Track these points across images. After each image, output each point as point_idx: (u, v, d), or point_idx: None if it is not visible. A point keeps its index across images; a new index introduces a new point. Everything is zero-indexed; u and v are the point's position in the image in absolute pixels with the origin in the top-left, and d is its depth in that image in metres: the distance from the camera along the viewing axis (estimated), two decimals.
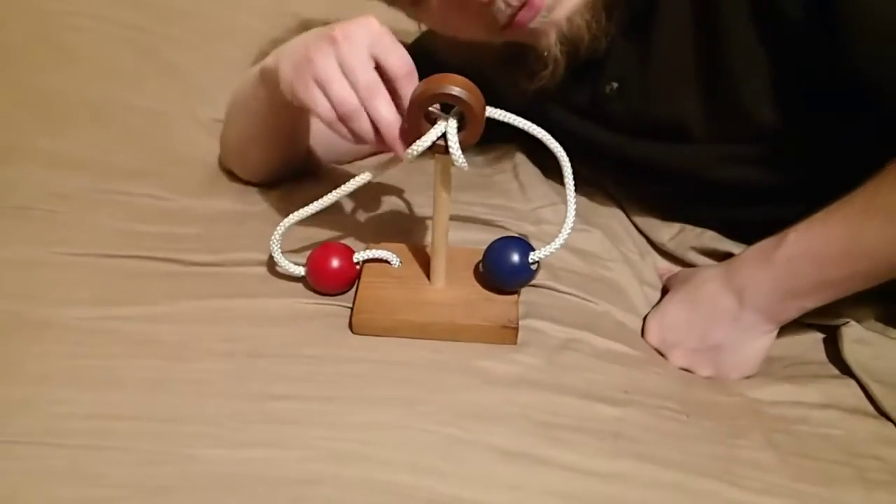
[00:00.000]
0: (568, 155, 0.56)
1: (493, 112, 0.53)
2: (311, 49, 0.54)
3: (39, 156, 0.77)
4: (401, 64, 0.53)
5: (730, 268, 0.58)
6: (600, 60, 0.66)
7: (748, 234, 0.61)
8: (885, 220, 0.51)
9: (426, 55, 0.66)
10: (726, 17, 0.59)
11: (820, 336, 0.62)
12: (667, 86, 0.65)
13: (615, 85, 0.67)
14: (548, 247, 0.58)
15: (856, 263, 0.53)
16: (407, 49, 0.82)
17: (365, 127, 0.53)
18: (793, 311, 0.57)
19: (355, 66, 0.52)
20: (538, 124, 0.54)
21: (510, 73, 0.66)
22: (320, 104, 0.54)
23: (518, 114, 0.54)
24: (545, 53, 0.63)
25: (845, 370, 0.57)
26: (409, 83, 0.53)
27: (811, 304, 0.56)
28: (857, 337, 0.58)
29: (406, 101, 0.52)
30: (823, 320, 0.61)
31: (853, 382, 0.56)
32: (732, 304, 0.57)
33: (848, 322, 0.59)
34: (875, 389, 0.54)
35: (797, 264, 0.54)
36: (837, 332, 0.59)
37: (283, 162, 0.73)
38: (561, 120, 0.71)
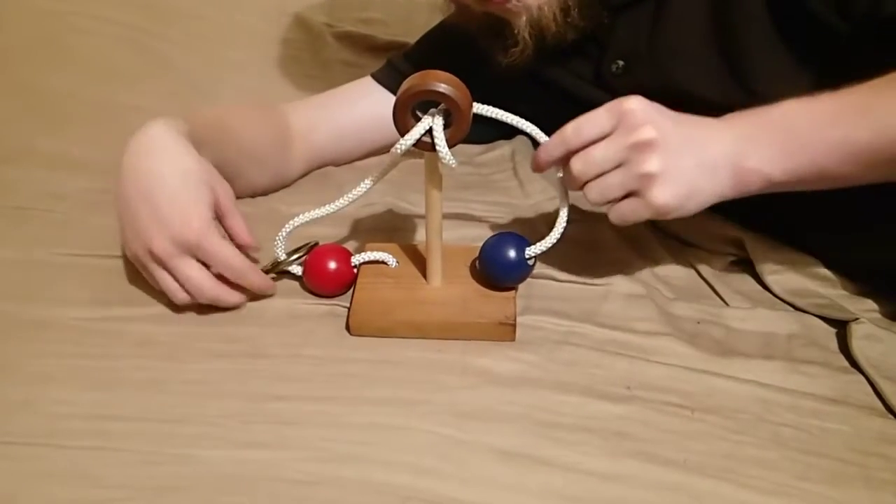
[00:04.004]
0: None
1: (480, 108, 0.52)
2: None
3: (39, 156, 0.77)
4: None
5: (712, 119, 0.55)
6: (598, 37, 0.67)
7: (746, 212, 0.61)
8: None
9: (443, 43, 0.68)
10: None
11: (833, 329, 0.61)
12: (677, 63, 0.64)
13: (621, 63, 0.67)
14: (544, 241, 0.57)
15: (855, 129, 0.50)
16: (425, 37, 0.82)
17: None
18: (755, 179, 0.52)
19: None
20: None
21: (491, 44, 0.67)
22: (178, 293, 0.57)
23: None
24: (517, 33, 0.64)
25: (856, 364, 0.56)
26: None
27: (780, 172, 0.51)
28: (867, 333, 0.57)
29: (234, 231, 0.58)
30: (832, 314, 0.60)
31: (864, 378, 0.55)
32: (714, 128, 0.53)
33: (857, 318, 0.59)
34: (884, 387, 0.54)
35: (792, 118, 0.51)
36: (847, 328, 0.59)
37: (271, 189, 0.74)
38: (568, 85, 0.72)
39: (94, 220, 0.67)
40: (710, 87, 0.63)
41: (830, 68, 0.57)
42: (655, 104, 0.53)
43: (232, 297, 0.57)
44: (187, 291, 0.56)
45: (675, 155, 0.51)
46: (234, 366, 0.53)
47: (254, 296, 0.58)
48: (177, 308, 0.58)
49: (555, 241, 0.57)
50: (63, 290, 0.59)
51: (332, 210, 0.58)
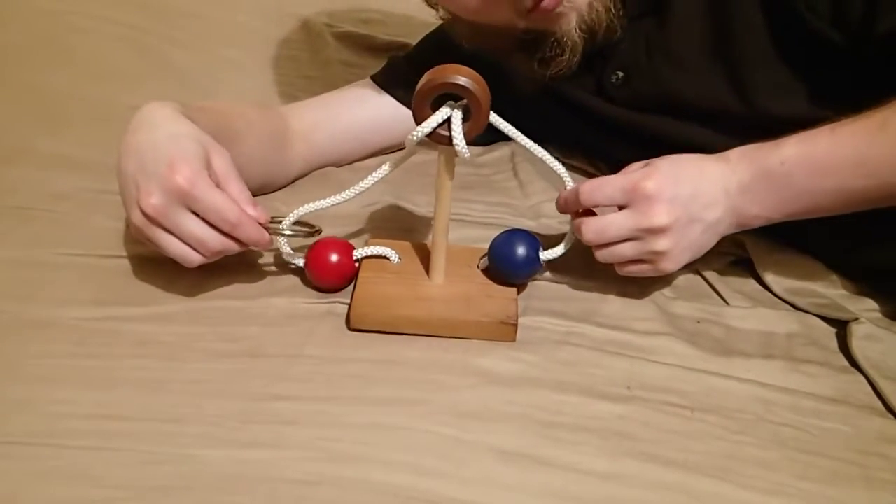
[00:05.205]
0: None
1: (492, 119, 0.53)
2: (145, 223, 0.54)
3: (39, 156, 0.77)
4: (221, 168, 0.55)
5: (720, 156, 0.57)
6: (604, 51, 0.67)
7: None
8: (894, 142, 0.51)
9: (444, 45, 0.67)
10: (739, 8, 0.59)
11: (833, 329, 0.61)
12: (677, 73, 0.65)
13: (620, 74, 0.68)
14: (557, 248, 0.59)
15: (850, 179, 0.52)
16: (425, 39, 0.82)
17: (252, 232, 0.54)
18: (757, 222, 0.57)
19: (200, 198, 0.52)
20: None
21: (526, 60, 0.67)
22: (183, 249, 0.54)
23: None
24: (564, 38, 0.63)
25: (856, 364, 0.57)
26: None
27: (779, 215, 0.56)
28: (867, 333, 0.58)
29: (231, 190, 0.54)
30: (832, 314, 0.61)
31: (864, 378, 0.56)
32: (717, 179, 0.55)
33: (857, 318, 0.59)
34: (884, 386, 0.54)
35: (790, 167, 0.53)
36: (847, 328, 0.59)
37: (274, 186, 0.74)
38: (573, 97, 0.72)
39: (94, 220, 0.67)
40: (708, 97, 0.64)
41: (829, 80, 0.58)
42: (668, 173, 0.55)
43: (239, 244, 0.55)
44: (195, 250, 0.54)
45: (683, 232, 0.55)
46: (234, 366, 0.53)
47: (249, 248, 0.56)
48: (177, 308, 0.58)
49: (566, 249, 0.59)
50: (63, 290, 0.59)
51: (340, 200, 0.58)
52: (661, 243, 0.54)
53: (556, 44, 0.64)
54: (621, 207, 0.56)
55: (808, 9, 0.56)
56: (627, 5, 0.64)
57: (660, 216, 0.53)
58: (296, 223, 0.59)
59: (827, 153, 0.53)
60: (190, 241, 0.53)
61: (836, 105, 0.56)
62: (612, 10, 0.63)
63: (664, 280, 0.64)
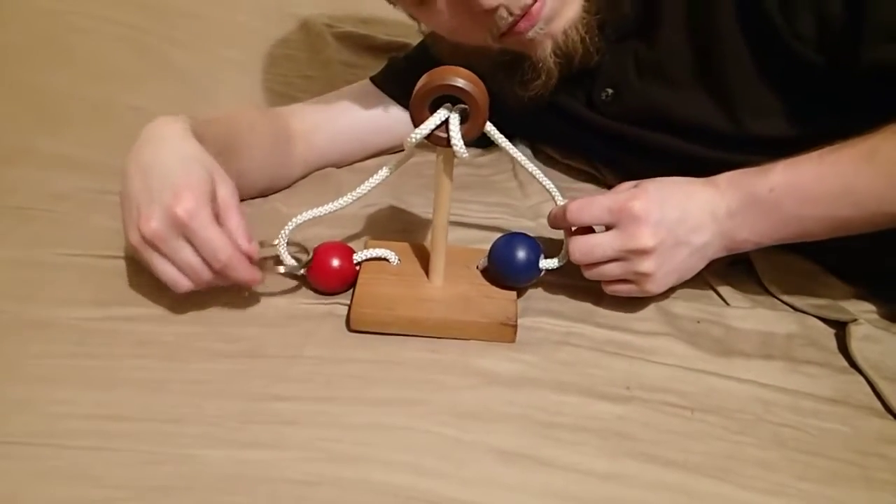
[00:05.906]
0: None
1: (487, 129, 0.53)
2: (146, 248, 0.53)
3: (39, 156, 0.77)
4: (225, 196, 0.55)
5: (710, 181, 0.57)
6: (593, 68, 0.68)
7: None
8: (881, 172, 0.51)
9: (429, 57, 0.66)
10: (719, 28, 0.60)
11: (832, 330, 0.61)
12: (664, 91, 0.66)
13: (610, 91, 0.69)
14: (558, 258, 0.59)
15: (838, 208, 0.52)
16: (412, 51, 0.82)
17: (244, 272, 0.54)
18: (747, 246, 0.57)
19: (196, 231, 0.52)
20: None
21: (506, 80, 0.67)
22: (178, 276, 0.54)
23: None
24: (539, 64, 0.64)
25: (855, 364, 0.57)
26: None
27: (769, 240, 0.56)
28: (865, 334, 0.58)
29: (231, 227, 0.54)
30: (831, 315, 0.61)
31: (863, 378, 0.56)
32: (706, 205, 0.56)
33: (856, 319, 0.59)
34: (883, 387, 0.54)
35: (779, 195, 0.54)
36: (846, 329, 0.59)
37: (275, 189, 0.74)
38: (567, 106, 0.73)
39: (94, 220, 0.67)
40: (697, 115, 0.64)
41: (815, 103, 0.59)
42: (656, 196, 0.55)
43: (228, 280, 0.55)
44: (187, 276, 0.53)
45: (668, 254, 0.55)
46: (234, 366, 0.53)
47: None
48: (177, 308, 0.58)
49: (564, 262, 0.59)
50: (63, 290, 0.59)
51: (338, 206, 0.58)
52: (645, 265, 0.55)
53: (531, 67, 0.65)
54: (609, 227, 0.56)
55: (794, 36, 0.56)
56: (607, 30, 0.65)
57: (645, 238, 0.54)
58: (290, 244, 0.59)
59: (814, 181, 0.53)
60: (183, 269, 0.53)
61: (823, 126, 0.57)
62: (588, 38, 0.63)
63: None
